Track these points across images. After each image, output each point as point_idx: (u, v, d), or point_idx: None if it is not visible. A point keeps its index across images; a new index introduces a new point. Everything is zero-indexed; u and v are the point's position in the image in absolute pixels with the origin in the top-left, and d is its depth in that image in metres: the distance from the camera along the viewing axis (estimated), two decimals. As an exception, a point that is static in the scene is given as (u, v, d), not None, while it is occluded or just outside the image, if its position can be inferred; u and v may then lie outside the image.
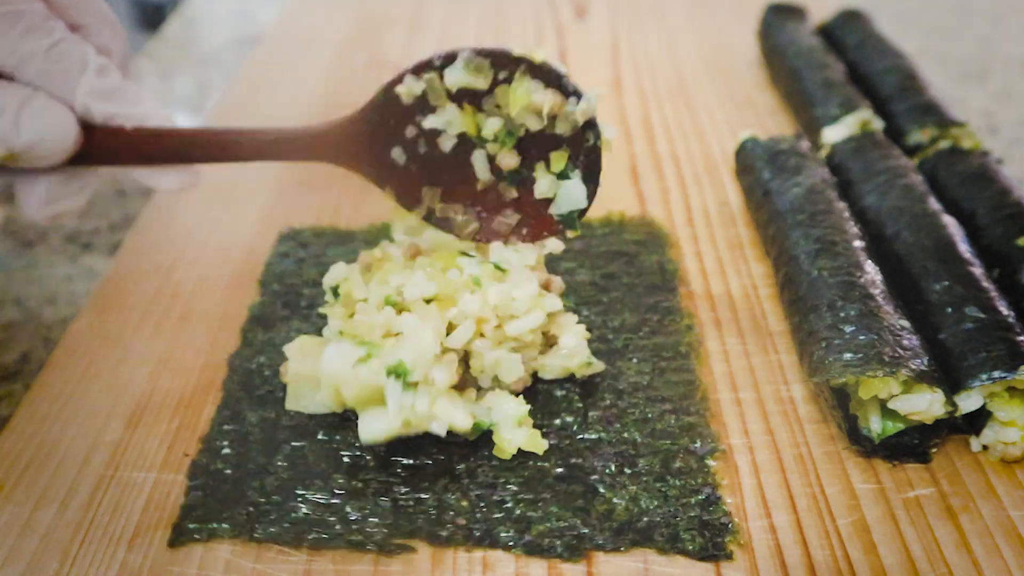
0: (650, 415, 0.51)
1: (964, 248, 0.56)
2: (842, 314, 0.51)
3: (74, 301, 0.66)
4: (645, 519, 0.46)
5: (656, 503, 0.46)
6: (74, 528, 0.46)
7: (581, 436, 0.50)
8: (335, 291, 0.53)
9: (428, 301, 0.51)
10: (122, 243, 0.69)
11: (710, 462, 0.48)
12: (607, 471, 0.48)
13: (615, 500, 0.46)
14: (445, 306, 0.50)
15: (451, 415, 0.47)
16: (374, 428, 0.47)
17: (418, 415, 0.47)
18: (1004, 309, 0.51)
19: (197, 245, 0.68)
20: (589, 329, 0.54)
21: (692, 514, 0.46)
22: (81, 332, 0.59)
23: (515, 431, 0.48)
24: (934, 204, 0.60)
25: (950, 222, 0.58)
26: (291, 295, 0.61)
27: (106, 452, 0.50)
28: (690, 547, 0.44)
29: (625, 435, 0.50)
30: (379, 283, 0.51)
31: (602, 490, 0.47)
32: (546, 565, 0.44)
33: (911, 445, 0.49)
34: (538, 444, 0.49)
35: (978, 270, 0.54)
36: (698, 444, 0.50)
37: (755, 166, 0.68)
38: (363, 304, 0.51)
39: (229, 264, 0.66)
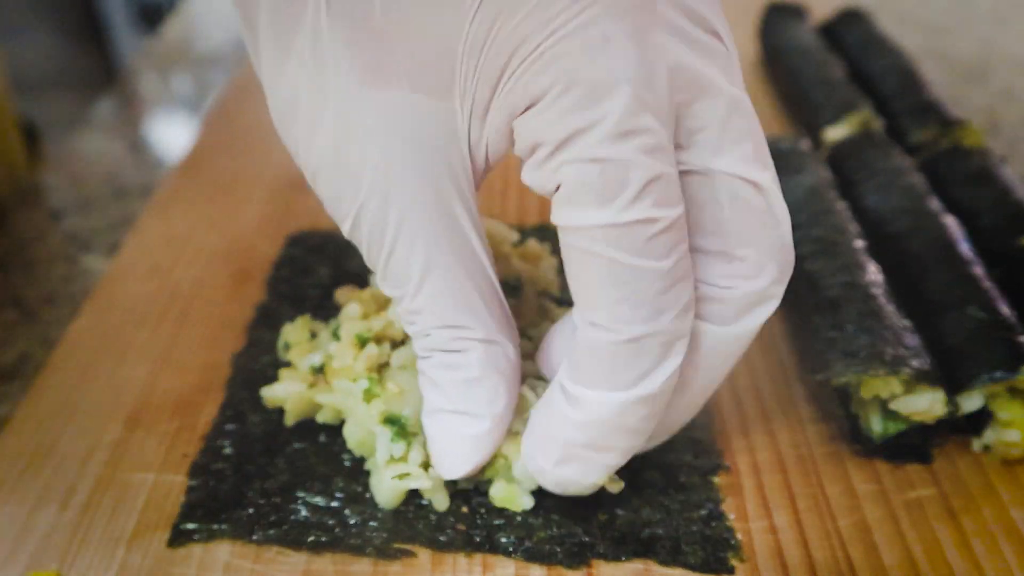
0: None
1: (965, 248, 0.56)
2: (844, 314, 0.51)
3: (73, 301, 0.66)
4: (647, 531, 0.45)
5: (658, 516, 0.46)
6: (74, 528, 0.46)
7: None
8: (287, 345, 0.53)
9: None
10: (122, 243, 0.69)
11: (714, 479, 0.48)
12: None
13: (617, 510, 0.46)
14: None
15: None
16: (385, 496, 0.46)
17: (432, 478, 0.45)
18: (1005, 309, 0.51)
19: (197, 245, 0.68)
20: None
21: (694, 528, 0.45)
22: (80, 332, 0.59)
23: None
24: (935, 204, 0.60)
25: (951, 222, 0.58)
26: (298, 297, 0.61)
27: (106, 452, 0.50)
28: (691, 560, 0.44)
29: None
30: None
31: (604, 499, 0.47)
32: (546, 568, 0.44)
33: (912, 445, 0.49)
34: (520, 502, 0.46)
35: (979, 270, 0.54)
36: (702, 461, 0.49)
37: (756, 166, 0.67)
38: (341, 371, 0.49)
39: (229, 264, 0.66)
